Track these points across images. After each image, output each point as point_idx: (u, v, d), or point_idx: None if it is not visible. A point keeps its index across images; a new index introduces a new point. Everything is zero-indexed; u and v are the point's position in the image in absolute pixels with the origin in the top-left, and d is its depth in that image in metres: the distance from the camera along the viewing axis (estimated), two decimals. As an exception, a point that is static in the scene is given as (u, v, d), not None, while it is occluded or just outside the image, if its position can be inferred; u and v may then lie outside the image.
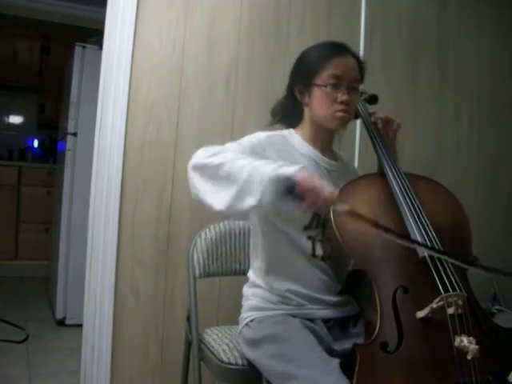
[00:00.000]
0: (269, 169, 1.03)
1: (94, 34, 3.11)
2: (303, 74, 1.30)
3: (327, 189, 1.00)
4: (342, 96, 1.24)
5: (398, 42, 2.31)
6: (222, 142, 1.93)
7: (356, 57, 1.30)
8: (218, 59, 1.98)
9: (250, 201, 1.03)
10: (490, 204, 2.52)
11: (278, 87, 2.01)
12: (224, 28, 1.99)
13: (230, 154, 1.11)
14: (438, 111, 2.41)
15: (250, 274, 1.38)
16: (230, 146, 1.21)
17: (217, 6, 1.98)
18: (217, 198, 1.08)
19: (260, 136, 1.28)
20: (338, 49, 1.28)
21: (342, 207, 1.01)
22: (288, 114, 1.38)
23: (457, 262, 1.10)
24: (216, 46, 1.98)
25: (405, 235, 1.13)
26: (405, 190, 1.23)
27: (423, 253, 1.13)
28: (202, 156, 1.13)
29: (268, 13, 2.06)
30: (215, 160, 1.10)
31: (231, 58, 2.00)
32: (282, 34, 2.08)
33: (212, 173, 1.09)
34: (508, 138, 2.59)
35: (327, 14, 2.15)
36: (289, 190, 0.99)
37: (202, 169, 1.12)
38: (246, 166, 1.05)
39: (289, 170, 1.02)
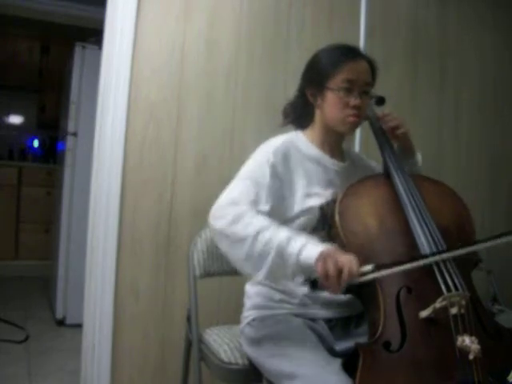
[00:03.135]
0: (293, 258, 1.05)
1: (94, 34, 3.11)
2: (316, 76, 1.30)
3: (346, 263, 1.00)
4: (354, 101, 1.25)
5: (398, 41, 2.31)
6: (222, 142, 1.96)
7: (368, 60, 1.31)
8: (218, 60, 1.98)
9: (285, 279, 1.11)
10: (491, 203, 2.52)
11: (279, 88, 2.03)
12: (224, 28, 1.99)
13: (251, 222, 1.10)
14: (438, 111, 2.41)
15: None
16: (243, 194, 1.18)
17: (217, 6, 1.98)
18: (251, 269, 1.10)
19: (268, 154, 1.25)
20: (352, 53, 1.29)
21: (367, 269, 1.02)
22: (299, 114, 1.37)
23: (463, 251, 1.10)
24: (216, 46, 1.98)
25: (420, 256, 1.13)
26: (410, 191, 1.23)
27: (427, 253, 1.12)
28: (223, 223, 1.12)
29: (268, 13, 2.06)
30: (239, 231, 1.10)
31: (231, 58, 2.00)
32: (282, 34, 2.08)
33: (239, 246, 1.10)
34: (509, 137, 2.59)
35: (327, 13, 2.15)
36: (313, 285, 1.05)
37: (227, 239, 1.12)
38: (269, 248, 1.06)
39: (309, 259, 1.03)
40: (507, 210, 2.57)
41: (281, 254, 1.05)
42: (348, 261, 1.01)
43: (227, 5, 1.99)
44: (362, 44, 2.17)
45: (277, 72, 2.03)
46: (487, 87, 2.53)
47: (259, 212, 1.15)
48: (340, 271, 1.00)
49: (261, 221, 1.11)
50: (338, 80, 1.25)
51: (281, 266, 1.06)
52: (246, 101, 2.01)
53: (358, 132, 2.13)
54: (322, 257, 1.02)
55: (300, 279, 1.09)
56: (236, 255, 1.11)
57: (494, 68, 2.56)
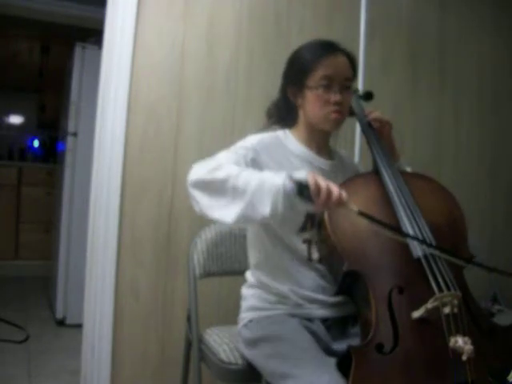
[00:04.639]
0: (277, 177, 1.03)
1: (94, 34, 3.11)
2: (295, 75, 1.29)
3: (336, 189, 1.01)
4: (334, 97, 1.23)
5: (398, 42, 2.32)
6: (223, 141, 1.96)
7: (347, 54, 1.29)
8: (218, 59, 1.98)
9: (263, 211, 1.02)
10: (491, 203, 2.52)
11: (279, 86, 2.02)
12: (224, 28, 1.99)
13: (232, 167, 1.10)
14: (437, 111, 2.41)
15: (248, 274, 1.37)
16: (224, 156, 1.18)
17: (217, 5, 1.98)
18: (226, 211, 1.06)
19: (253, 140, 1.27)
20: (328, 48, 1.27)
21: (352, 207, 1.02)
22: (283, 115, 1.36)
23: (452, 259, 1.10)
24: (216, 45, 1.98)
25: (409, 234, 1.13)
26: (399, 188, 1.23)
27: (418, 253, 1.12)
28: (202, 172, 1.11)
29: (268, 12, 2.06)
30: (219, 174, 1.08)
31: (231, 57, 2.00)
32: (282, 33, 2.08)
33: (217, 187, 1.08)
34: (508, 138, 2.59)
35: (327, 13, 2.16)
36: (300, 193, 1.00)
37: (205, 185, 1.10)
38: (253, 178, 1.05)
39: (299, 173, 1.03)
40: (507, 210, 2.57)
41: (263, 181, 1.03)
42: (338, 188, 1.01)
43: (227, 3, 2.00)
44: (361, 44, 2.17)
45: (277, 70, 2.00)
46: (487, 87, 2.53)
47: None
48: (330, 192, 1.00)
49: (242, 168, 1.11)
50: (316, 77, 1.24)
51: (261, 193, 1.02)
52: (246, 99, 2.01)
53: (357, 136, 2.13)
54: (313, 173, 1.03)
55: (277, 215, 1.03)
56: (215, 199, 1.08)
57: (494, 68, 2.56)
